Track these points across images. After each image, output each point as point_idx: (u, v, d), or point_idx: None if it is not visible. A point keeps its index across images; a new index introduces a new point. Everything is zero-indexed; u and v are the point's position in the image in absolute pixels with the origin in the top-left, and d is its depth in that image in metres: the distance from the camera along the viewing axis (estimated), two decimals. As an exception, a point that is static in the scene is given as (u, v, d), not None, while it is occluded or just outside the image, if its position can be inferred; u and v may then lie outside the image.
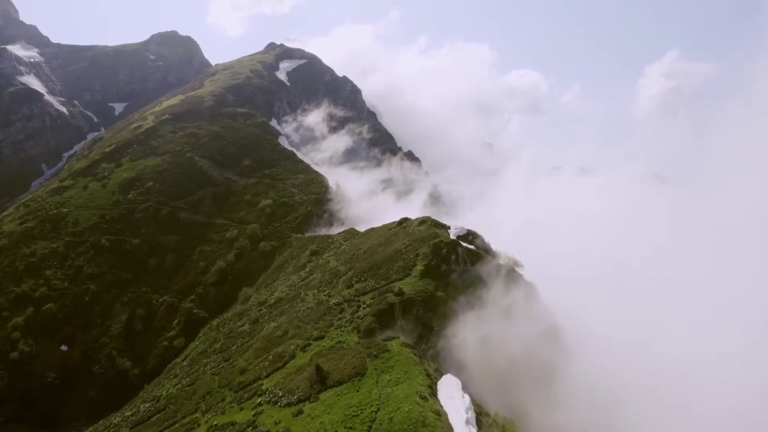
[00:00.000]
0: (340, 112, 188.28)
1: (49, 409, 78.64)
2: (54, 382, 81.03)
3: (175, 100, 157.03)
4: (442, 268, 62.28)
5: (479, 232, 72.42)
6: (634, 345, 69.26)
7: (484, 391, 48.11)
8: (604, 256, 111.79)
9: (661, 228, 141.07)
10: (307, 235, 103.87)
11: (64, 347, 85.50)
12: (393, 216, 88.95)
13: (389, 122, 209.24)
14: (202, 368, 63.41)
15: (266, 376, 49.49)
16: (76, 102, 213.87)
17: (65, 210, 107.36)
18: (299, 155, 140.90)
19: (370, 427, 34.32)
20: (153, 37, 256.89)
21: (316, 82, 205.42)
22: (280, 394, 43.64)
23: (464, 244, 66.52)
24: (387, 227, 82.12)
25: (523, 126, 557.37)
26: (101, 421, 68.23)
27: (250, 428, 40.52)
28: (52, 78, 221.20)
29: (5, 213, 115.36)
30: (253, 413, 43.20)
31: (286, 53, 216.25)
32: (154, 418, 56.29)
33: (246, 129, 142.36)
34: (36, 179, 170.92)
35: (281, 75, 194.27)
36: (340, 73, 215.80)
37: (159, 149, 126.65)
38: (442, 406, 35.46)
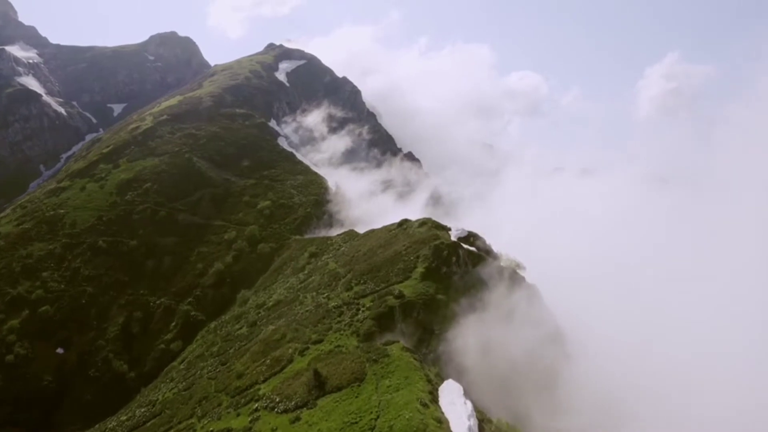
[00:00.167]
0: (339, 113, 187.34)
1: (44, 412, 77.83)
2: (50, 385, 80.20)
3: (173, 101, 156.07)
4: (442, 271, 61.34)
5: (480, 233, 71.56)
6: (636, 346, 68.91)
7: (485, 396, 47.14)
8: (605, 257, 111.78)
9: (662, 228, 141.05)
10: (306, 236, 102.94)
11: (60, 350, 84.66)
12: (393, 217, 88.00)
13: (389, 123, 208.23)
14: (198, 372, 62.43)
15: (263, 381, 48.51)
16: (74, 103, 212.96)
17: (62, 211, 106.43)
18: (298, 156, 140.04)
19: (370, 435, 33.35)
20: (152, 38, 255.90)
21: (315, 83, 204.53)
22: (278, 399, 42.63)
23: (465, 246, 65.61)
24: (387, 229, 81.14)
25: (523, 128, 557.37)
26: (97, 425, 67.18)
27: (247, 435, 39.57)
28: (50, 79, 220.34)
29: (2, 214, 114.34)
30: (249, 419, 42.21)
31: (286, 54, 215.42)
32: (150, 423, 55.30)
33: (245, 130, 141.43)
34: (34, 180, 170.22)
35: (280, 76, 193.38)
36: (339, 73, 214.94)
37: (157, 150, 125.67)
38: (443, 413, 34.43)
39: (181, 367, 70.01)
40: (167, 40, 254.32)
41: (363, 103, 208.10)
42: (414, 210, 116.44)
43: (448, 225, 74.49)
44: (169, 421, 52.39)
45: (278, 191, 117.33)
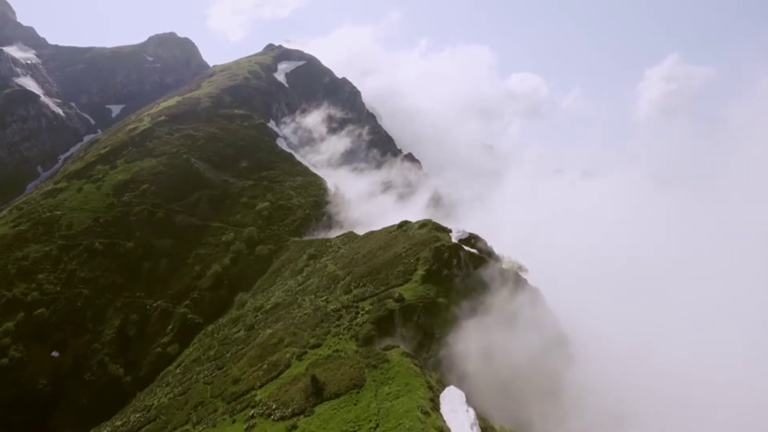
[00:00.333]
0: (339, 114, 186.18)
1: (39, 416, 76.71)
2: (45, 388, 79.07)
3: (171, 102, 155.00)
4: (443, 273, 60.16)
5: (481, 235, 70.40)
6: (638, 347, 68.39)
7: (487, 402, 45.96)
8: (606, 258, 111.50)
9: (663, 229, 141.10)
10: (305, 238, 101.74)
11: (55, 353, 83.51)
12: (393, 219, 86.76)
13: (389, 124, 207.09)
14: (195, 376, 61.27)
15: (260, 387, 47.37)
16: (72, 104, 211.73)
17: (59, 213, 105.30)
18: (297, 157, 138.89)
19: (369, 444, 32.20)
20: (151, 38, 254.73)
21: (315, 84, 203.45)
22: (274, 406, 41.47)
23: (466, 248, 64.40)
24: (387, 230, 79.97)
25: (524, 129, 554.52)
26: (92, 430, 65.99)
27: (242, 443, 38.41)
28: (48, 80, 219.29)
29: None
30: (245, 426, 41.12)
31: (285, 55, 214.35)
32: (145, 428, 54.26)
33: (243, 131, 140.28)
34: (31, 181, 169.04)
35: (279, 76, 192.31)
36: (339, 74, 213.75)
37: (155, 151, 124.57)
38: (445, 422, 33.24)
39: (177, 371, 68.83)
40: (166, 41, 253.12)
41: (363, 104, 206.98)
42: (414, 211, 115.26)
43: (449, 226, 73.34)
44: (164, 427, 51.29)
45: (277, 192, 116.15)
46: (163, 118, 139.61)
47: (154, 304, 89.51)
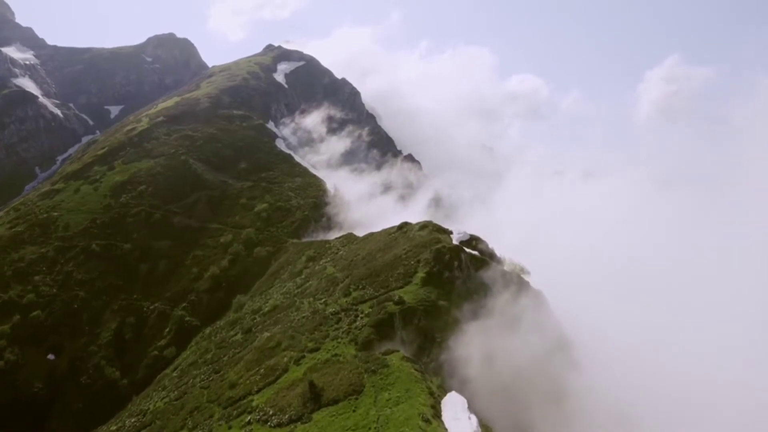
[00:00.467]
0: (338, 115, 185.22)
1: (34, 420, 75.99)
2: (40, 392, 78.22)
3: (170, 102, 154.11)
4: (444, 275, 59.14)
5: (482, 236, 69.40)
6: (641, 349, 67.69)
7: (489, 407, 44.94)
8: (608, 259, 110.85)
9: (664, 230, 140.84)
10: (304, 240, 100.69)
11: (51, 356, 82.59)
12: (393, 220, 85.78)
13: (389, 125, 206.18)
14: (191, 380, 60.21)
15: (257, 392, 46.32)
16: (71, 105, 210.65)
17: (56, 214, 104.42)
18: (296, 158, 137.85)
19: (368, 453, 31.15)
20: (150, 39, 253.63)
21: (314, 84, 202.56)
22: (271, 412, 40.41)
23: (467, 250, 63.39)
24: (386, 232, 78.95)
25: (524, 130, 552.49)
26: (87, 435, 65.06)
27: (238, 450, 37.36)
28: (47, 80, 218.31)
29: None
30: (241, 433, 40.07)
31: (284, 55, 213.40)
32: (140, 434, 53.19)
33: (242, 131, 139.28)
34: (29, 183, 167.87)
35: (279, 77, 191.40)
36: (339, 75, 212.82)
37: (153, 152, 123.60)
38: (447, 430, 32.22)
39: (174, 374, 67.78)
40: (165, 42, 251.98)
41: (362, 105, 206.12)
42: (414, 212, 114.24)
43: (450, 228, 72.36)
44: (159, 432, 50.28)
45: (276, 194, 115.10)
46: (161, 118, 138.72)
47: (151, 307, 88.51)
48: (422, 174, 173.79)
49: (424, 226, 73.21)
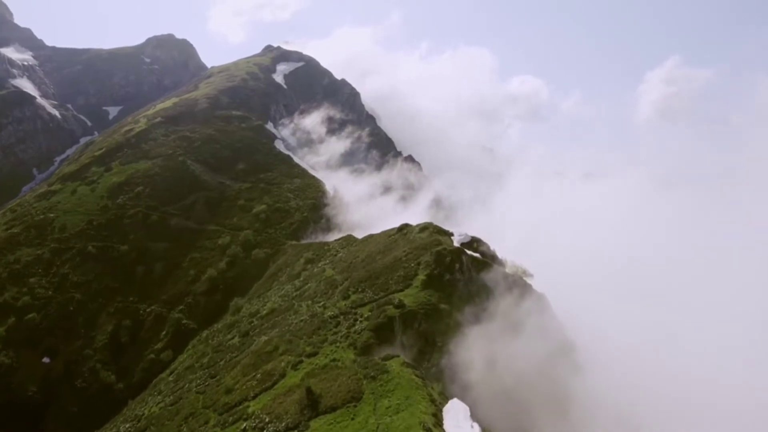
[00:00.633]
0: (338, 115, 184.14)
1: (29, 423, 74.63)
2: (35, 395, 76.98)
3: (168, 103, 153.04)
4: (445, 278, 57.98)
5: (484, 238, 68.30)
6: (643, 350, 67.06)
7: (491, 412, 43.85)
8: (608, 259, 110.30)
9: (664, 230, 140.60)
10: (303, 242, 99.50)
11: (46, 359, 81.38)
12: (393, 222, 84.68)
13: (389, 125, 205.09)
14: (187, 385, 59.03)
15: (253, 397, 45.18)
16: (69, 105, 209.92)
17: (52, 215, 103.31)
18: (295, 159, 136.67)
19: (366, 463, 30.04)
20: (149, 40, 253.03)
21: (313, 85, 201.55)
22: (267, 419, 39.28)
23: (469, 252, 62.27)
24: (386, 234, 77.78)
25: (524, 132, 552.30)
26: (81, 440, 63.91)
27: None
28: (45, 81, 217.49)
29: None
30: (236, 441, 38.94)
31: (284, 56, 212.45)
32: (134, 440, 52.04)
33: (241, 132, 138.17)
34: (26, 184, 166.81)
35: (278, 77, 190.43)
36: (338, 75, 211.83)
37: (150, 153, 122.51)
38: (448, 439, 31.12)
39: (170, 379, 66.57)
40: (164, 43, 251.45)
41: (362, 106, 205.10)
42: (414, 214, 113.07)
43: (450, 229, 71.20)
44: (153, 439, 49.14)
45: (274, 195, 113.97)
46: (159, 119, 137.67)
47: (148, 309, 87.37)
48: (422, 175, 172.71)
49: (425, 227, 72.07)
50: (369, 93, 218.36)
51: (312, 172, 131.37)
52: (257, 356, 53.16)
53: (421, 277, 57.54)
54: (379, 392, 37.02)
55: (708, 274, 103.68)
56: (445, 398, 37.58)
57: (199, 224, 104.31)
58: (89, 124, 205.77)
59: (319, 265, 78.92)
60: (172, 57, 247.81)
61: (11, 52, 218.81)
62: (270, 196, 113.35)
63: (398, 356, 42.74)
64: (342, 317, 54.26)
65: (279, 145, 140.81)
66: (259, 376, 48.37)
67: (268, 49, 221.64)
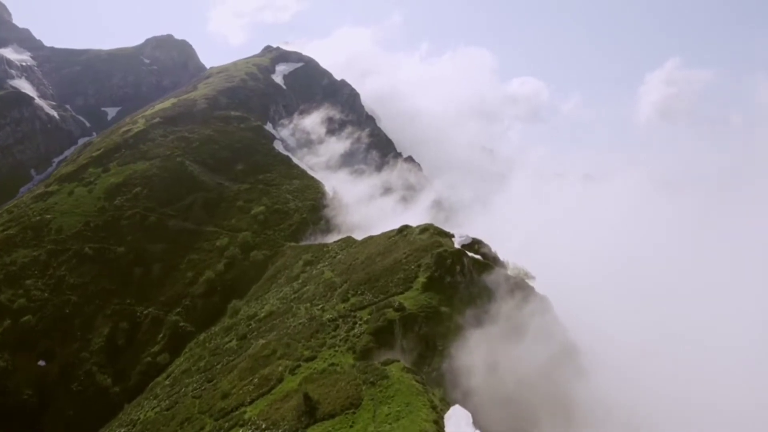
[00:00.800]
0: (338, 116, 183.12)
1: (25, 427, 73.80)
2: (30, 399, 76.29)
3: (167, 104, 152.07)
4: (446, 280, 57.08)
5: (485, 240, 67.34)
6: (644, 351, 66.47)
7: (493, 417, 43.03)
8: (609, 260, 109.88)
9: (665, 231, 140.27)
10: (302, 243, 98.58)
11: (41, 362, 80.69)
12: (392, 223, 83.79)
13: (388, 126, 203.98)
14: (183, 389, 58.17)
15: (250, 403, 44.29)
16: (67, 106, 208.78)
17: (49, 216, 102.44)
18: (295, 160, 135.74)
19: (365, 473, 29.07)
20: (148, 40, 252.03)
21: (313, 86, 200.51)
22: (264, 426, 38.35)
23: (470, 254, 61.34)
24: (386, 235, 76.87)
25: (524, 133, 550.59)
26: (77, 444, 63.01)
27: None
28: (44, 82, 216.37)
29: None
30: (232, 448, 38.00)
31: (283, 56, 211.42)
32: (128, 446, 51.11)
33: (240, 133, 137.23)
34: (24, 185, 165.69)
35: (277, 78, 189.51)
36: (338, 76, 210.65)
37: (148, 153, 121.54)
38: (450, 448, 30.15)
39: (167, 382, 65.71)
40: (163, 43, 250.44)
41: (362, 106, 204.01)
42: (414, 215, 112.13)
43: (451, 231, 70.27)
44: (148, 444, 48.21)
45: (273, 196, 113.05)
46: (157, 120, 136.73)
47: (145, 312, 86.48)
48: (422, 176, 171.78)
49: (425, 229, 71.18)
50: (369, 93, 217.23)
51: (311, 173, 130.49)
52: (254, 360, 52.29)
53: (422, 279, 56.68)
54: (379, 398, 36.07)
55: (708, 274, 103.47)
56: (447, 404, 36.63)
57: (197, 225, 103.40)
58: (88, 124, 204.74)
59: (318, 267, 78.01)
60: (171, 58, 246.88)
61: (9, 53, 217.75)
62: (269, 197, 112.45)
63: (398, 361, 41.80)
64: (341, 320, 53.40)
65: (278, 146, 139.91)
66: (256, 380, 47.49)
67: (268, 49, 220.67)
